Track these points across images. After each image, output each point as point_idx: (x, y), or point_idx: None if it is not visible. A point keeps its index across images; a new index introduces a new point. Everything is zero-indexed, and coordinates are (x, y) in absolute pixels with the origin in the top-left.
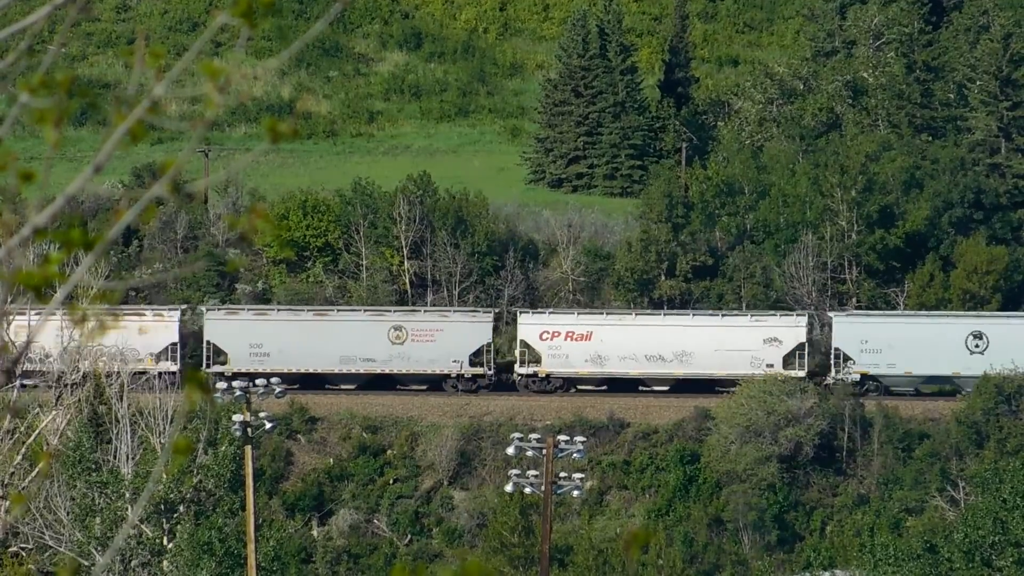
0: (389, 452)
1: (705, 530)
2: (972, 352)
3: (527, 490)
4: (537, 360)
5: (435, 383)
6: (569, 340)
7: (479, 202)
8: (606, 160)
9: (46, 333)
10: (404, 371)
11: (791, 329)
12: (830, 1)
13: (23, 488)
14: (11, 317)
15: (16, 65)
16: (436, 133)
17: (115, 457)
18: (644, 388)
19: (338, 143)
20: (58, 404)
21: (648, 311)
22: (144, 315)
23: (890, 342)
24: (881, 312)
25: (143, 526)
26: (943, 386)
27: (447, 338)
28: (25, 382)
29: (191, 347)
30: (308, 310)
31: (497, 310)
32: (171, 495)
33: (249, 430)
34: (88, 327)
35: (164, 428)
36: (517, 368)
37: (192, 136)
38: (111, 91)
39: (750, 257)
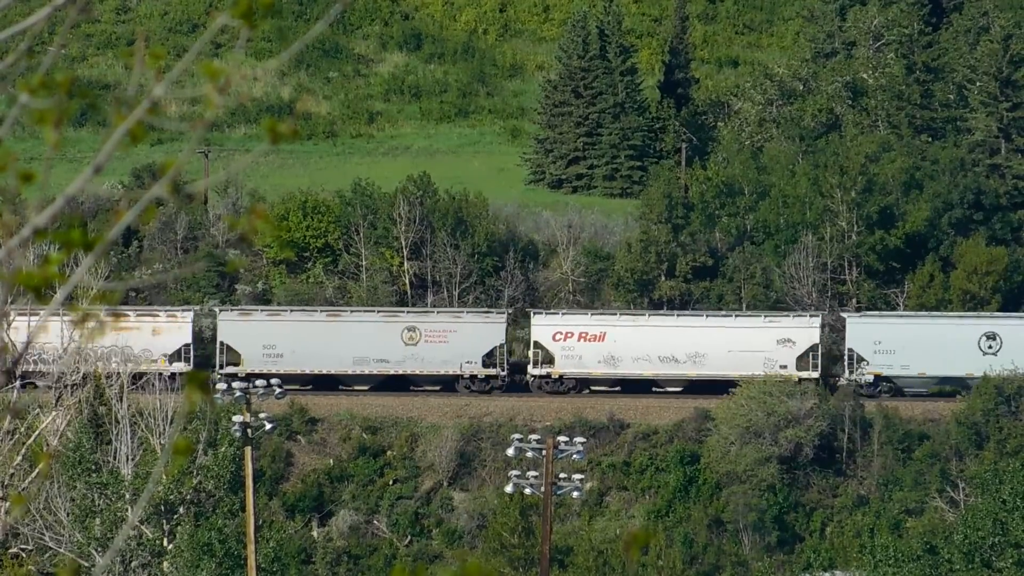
0: (389, 453)
1: (705, 531)
2: (985, 353)
3: (527, 491)
4: (550, 361)
5: (448, 384)
6: (582, 341)
7: (479, 203)
8: (606, 161)
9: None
10: (417, 372)
11: (804, 330)
12: (830, 2)
13: (23, 489)
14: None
15: (16, 66)
16: (436, 134)
17: (115, 458)
18: (657, 389)
19: (338, 144)
20: (58, 405)
21: (662, 312)
22: (158, 316)
23: (904, 343)
24: (895, 313)
25: (143, 527)
26: (957, 387)
27: (460, 339)
28: (39, 383)
29: (197, 348)
30: (322, 311)
31: (511, 310)
32: (171, 496)
33: (249, 431)
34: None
35: (164, 429)
36: (530, 369)
37: (192, 137)
38: (111, 92)
39: (750, 258)
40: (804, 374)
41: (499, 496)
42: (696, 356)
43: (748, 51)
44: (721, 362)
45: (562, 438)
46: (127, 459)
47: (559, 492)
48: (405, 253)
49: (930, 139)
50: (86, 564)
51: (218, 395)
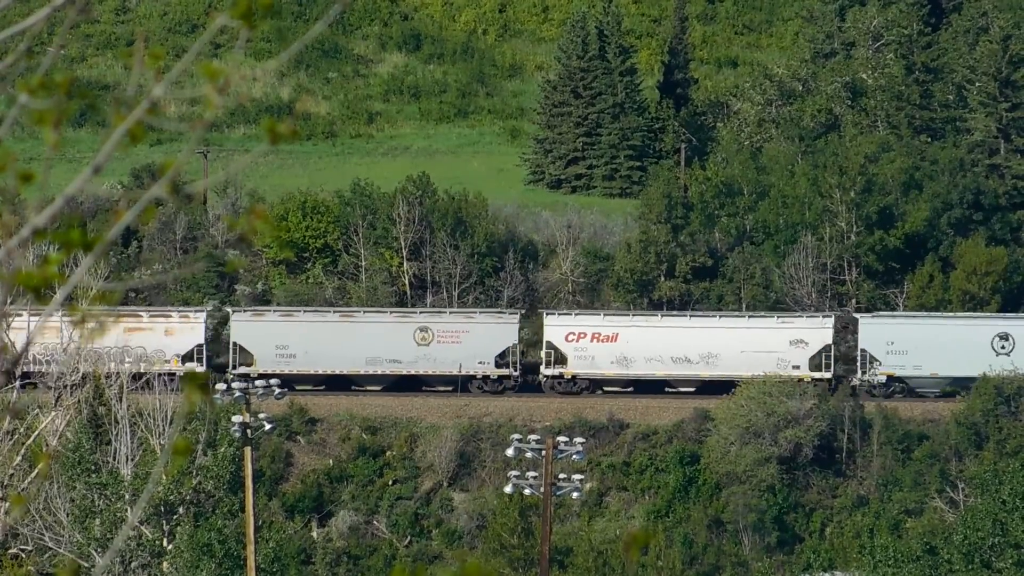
0: (388, 453)
1: (705, 531)
2: (998, 353)
3: (526, 491)
4: (563, 361)
5: (461, 384)
6: (595, 342)
7: (478, 203)
8: (605, 161)
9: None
10: (430, 372)
11: (817, 331)
12: (829, 3)
13: (23, 489)
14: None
15: (15, 66)
16: (435, 134)
17: (115, 458)
18: (670, 390)
19: (337, 144)
20: (57, 405)
21: (674, 313)
22: (170, 316)
23: (916, 343)
24: (908, 313)
25: (143, 527)
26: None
27: (473, 339)
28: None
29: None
30: (334, 311)
31: (524, 311)
32: (171, 496)
33: (248, 431)
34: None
35: (164, 429)
36: (543, 369)
37: (191, 137)
38: (110, 92)
39: (749, 258)
40: (817, 375)
41: (499, 496)
42: (709, 357)
43: (747, 51)
44: (734, 363)
45: (562, 438)
46: (127, 459)
47: (559, 492)
48: (404, 253)
49: (929, 139)
50: (86, 565)
51: (217, 395)
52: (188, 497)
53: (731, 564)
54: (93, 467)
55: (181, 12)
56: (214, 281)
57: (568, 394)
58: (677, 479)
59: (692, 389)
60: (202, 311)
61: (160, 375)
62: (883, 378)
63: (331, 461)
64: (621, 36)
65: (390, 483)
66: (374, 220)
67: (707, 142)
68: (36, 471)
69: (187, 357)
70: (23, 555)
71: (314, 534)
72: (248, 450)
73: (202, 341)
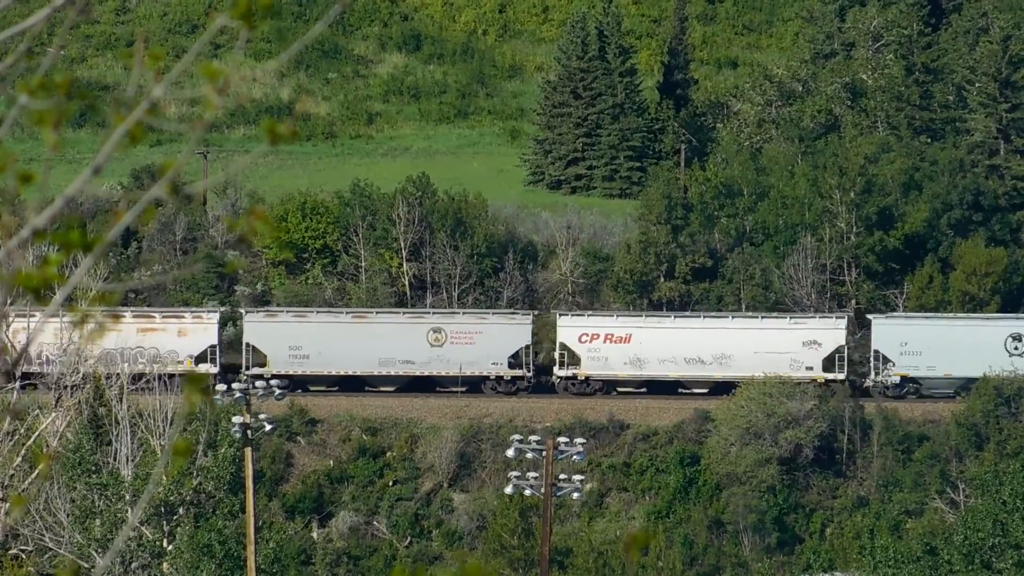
0: (389, 454)
1: (705, 532)
2: (1012, 354)
3: (527, 492)
4: (576, 362)
5: (474, 385)
6: (608, 343)
7: (478, 204)
8: (605, 162)
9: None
10: (443, 373)
11: (830, 332)
12: (829, 3)
13: (23, 490)
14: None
15: (15, 67)
16: (435, 135)
17: (115, 459)
18: (683, 391)
19: (337, 145)
20: (58, 406)
21: (687, 314)
22: (183, 317)
23: (930, 344)
24: (921, 314)
25: (143, 528)
26: None
27: (486, 340)
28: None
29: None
30: (347, 312)
31: (537, 312)
32: (171, 497)
33: (249, 432)
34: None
35: (164, 430)
36: (556, 370)
37: (191, 138)
38: (110, 93)
39: (749, 259)
40: (830, 375)
41: (499, 497)
42: (722, 357)
43: (747, 52)
44: (747, 363)
45: (562, 439)
46: (127, 460)
47: (559, 493)
48: (404, 254)
49: (929, 140)
50: (86, 565)
51: (218, 396)
52: (188, 498)
53: (731, 565)
54: (93, 468)
55: (181, 12)
56: (214, 282)
57: (582, 395)
58: (677, 480)
59: (705, 390)
60: (215, 312)
61: (160, 376)
62: (896, 379)
63: (331, 462)
64: (621, 37)
65: (390, 484)
66: (374, 221)
67: (707, 143)
68: (36, 472)
69: (200, 358)
70: (23, 556)
71: (314, 535)
72: (248, 451)
73: (215, 342)
